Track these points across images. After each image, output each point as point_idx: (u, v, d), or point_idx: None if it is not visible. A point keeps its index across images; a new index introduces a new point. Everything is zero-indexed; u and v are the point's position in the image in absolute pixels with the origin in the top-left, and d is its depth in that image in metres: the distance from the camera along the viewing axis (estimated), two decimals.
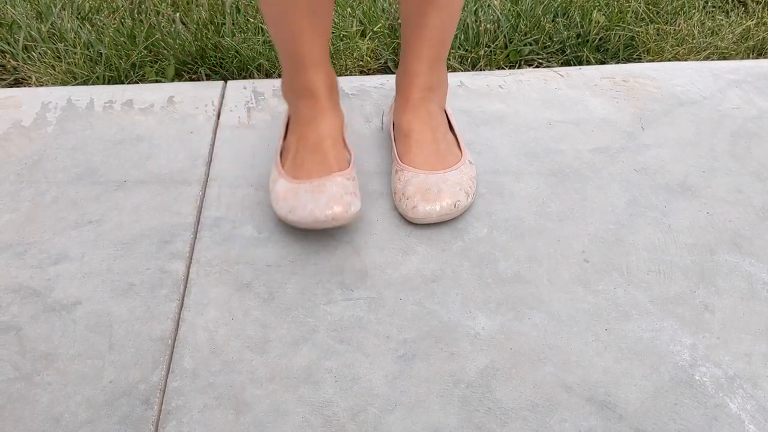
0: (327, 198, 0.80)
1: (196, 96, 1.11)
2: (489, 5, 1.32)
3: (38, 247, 0.84)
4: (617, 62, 1.27)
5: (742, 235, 0.87)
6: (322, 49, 0.86)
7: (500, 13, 1.31)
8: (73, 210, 0.89)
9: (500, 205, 0.90)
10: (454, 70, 1.23)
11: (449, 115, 0.98)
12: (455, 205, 0.85)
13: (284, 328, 0.75)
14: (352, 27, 1.29)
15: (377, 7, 1.33)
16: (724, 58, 1.28)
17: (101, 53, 1.21)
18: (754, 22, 1.33)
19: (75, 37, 1.24)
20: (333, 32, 1.27)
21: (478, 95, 1.11)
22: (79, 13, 1.33)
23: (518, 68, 1.26)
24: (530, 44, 1.28)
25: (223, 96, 1.11)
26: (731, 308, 0.78)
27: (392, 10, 1.32)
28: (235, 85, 1.14)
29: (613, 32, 1.29)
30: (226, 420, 0.67)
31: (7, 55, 1.23)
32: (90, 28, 1.28)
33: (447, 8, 0.85)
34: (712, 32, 1.32)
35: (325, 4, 0.82)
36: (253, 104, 1.09)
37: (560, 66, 1.26)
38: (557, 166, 0.97)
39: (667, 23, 1.33)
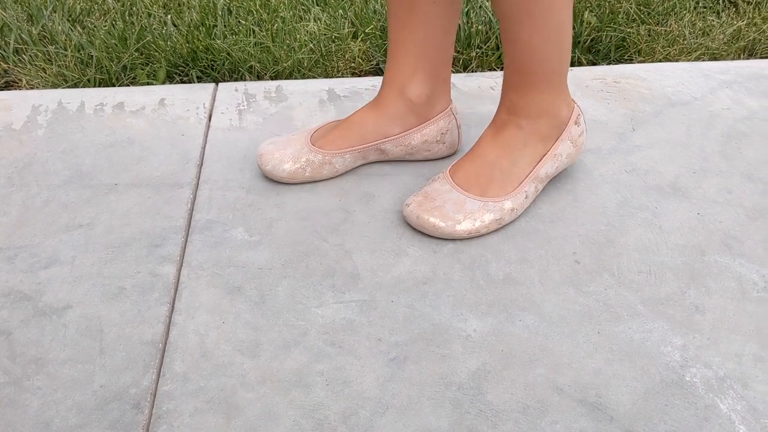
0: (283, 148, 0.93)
1: (187, 98, 1.11)
2: (481, 6, 1.33)
3: (29, 251, 0.84)
4: (608, 63, 1.28)
5: (732, 236, 0.87)
6: (407, 49, 0.88)
7: (492, 15, 1.31)
8: (64, 213, 0.89)
9: None
10: None
11: (553, 154, 0.89)
12: (435, 226, 0.84)
13: (275, 332, 0.75)
14: (344, 29, 1.28)
15: (369, 8, 1.33)
16: (715, 59, 1.28)
17: (92, 56, 1.21)
18: (744, 22, 1.33)
19: (66, 40, 1.24)
20: (324, 34, 1.27)
21: (470, 97, 1.12)
22: (70, 16, 1.33)
23: None
24: None
25: (214, 98, 1.11)
26: (722, 309, 0.78)
27: (384, 12, 1.32)
28: (226, 88, 1.14)
29: (605, 33, 1.29)
30: (217, 424, 0.67)
31: None
32: (81, 30, 1.28)
33: (519, 42, 0.80)
34: (703, 33, 1.32)
35: (421, 6, 0.85)
36: (244, 106, 1.09)
37: None
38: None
39: (658, 24, 1.34)
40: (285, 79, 1.20)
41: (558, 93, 0.86)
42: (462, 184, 0.86)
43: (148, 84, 1.19)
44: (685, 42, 1.29)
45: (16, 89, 1.19)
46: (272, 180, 0.94)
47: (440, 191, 0.86)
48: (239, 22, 1.29)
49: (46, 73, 1.19)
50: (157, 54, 1.22)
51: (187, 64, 1.21)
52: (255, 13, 1.32)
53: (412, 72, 0.90)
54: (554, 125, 0.88)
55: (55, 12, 1.32)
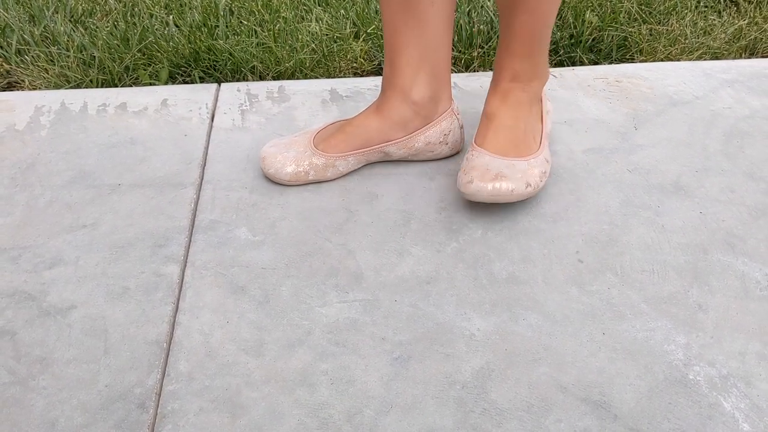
0: (285, 150, 0.94)
1: (189, 99, 1.11)
2: (482, 6, 1.33)
3: (33, 251, 0.84)
4: (610, 63, 1.28)
5: (735, 235, 0.87)
6: (408, 52, 0.89)
7: (493, 14, 1.31)
8: (68, 214, 0.89)
9: (494, 206, 0.91)
10: None
11: (545, 111, 0.96)
12: (512, 191, 0.85)
13: (279, 331, 0.75)
14: (345, 29, 1.29)
15: (371, 8, 1.33)
16: (717, 58, 1.28)
17: (94, 56, 1.21)
18: (746, 21, 1.34)
19: (68, 41, 1.24)
20: (326, 34, 1.27)
21: (472, 96, 1.12)
22: (72, 16, 1.33)
23: None
24: None
25: (216, 98, 1.11)
26: (724, 307, 0.79)
27: None
28: (228, 88, 1.14)
29: (606, 33, 1.29)
30: (222, 423, 0.67)
31: (0, 59, 1.23)
32: (83, 31, 1.28)
33: (535, 10, 0.85)
34: (705, 32, 1.33)
35: (419, 7, 0.86)
36: (246, 106, 1.09)
37: (553, 67, 1.26)
38: (551, 166, 0.97)
39: (659, 23, 1.34)
40: (287, 79, 1.20)
41: (546, 54, 0.92)
42: (498, 151, 0.88)
43: (150, 84, 1.19)
44: (687, 41, 1.29)
45: (18, 90, 1.19)
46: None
47: (487, 162, 0.87)
48: (241, 22, 1.30)
49: (48, 73, 1.19)
50: (159, 54, 1.22)
51: (190, 65, 1.22)
52: (257, 13, 1.32)
53: (413, 75, 0.90)
54: (543, 84, 0.94)
55: (56, 13, 1.32)
